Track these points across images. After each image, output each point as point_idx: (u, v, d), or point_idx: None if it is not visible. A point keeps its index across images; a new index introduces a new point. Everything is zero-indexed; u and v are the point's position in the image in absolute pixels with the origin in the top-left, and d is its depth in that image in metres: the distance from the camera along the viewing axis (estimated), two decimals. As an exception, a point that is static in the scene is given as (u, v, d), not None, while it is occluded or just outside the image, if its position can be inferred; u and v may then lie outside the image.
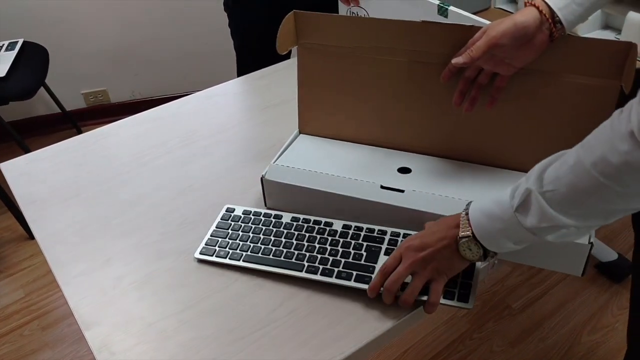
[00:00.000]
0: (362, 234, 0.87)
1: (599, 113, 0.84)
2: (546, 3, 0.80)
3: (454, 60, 0.84)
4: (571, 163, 0.63)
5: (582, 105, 0.85)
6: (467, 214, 0.74)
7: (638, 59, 0.80)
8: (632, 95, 0.77)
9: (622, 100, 0.82)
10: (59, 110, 2.62)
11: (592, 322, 1.71)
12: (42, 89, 2.38)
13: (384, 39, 0.91)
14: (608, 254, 1.82)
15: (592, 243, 0.79)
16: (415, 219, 0.85)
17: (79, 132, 2.70)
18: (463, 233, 0.73)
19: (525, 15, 0.80)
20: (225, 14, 1.57)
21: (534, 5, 0.80)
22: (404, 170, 0.93)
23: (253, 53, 1.55)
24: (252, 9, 1.49)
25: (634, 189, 0.59)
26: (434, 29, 0.87)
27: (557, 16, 0.80)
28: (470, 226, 0.73)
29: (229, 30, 1.59)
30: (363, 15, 1.21)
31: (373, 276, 0.80)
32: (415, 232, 0.81)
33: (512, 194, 0.69)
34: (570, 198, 0.64)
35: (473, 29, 0.84)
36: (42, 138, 2.62)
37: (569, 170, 0.63)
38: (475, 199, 0.75)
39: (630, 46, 0.79)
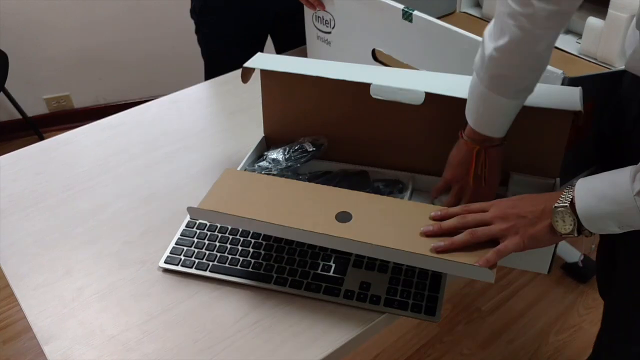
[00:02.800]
0: (331, 244, 0.86)
1: (553, 138, 0.87)
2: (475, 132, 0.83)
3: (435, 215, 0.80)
4: None
5: (538, 130, 0.87)
6: (571, 191, 0.71)
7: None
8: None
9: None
10: (19, 117, 2.55)
11: (559, 323, 1.74)
12: (1, 94, 2.31)
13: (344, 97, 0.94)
14: (573, 255, 1.85)
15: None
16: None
17: (41, 138, 2.63)
18: (560, 202, 0.70)
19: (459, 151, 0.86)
20: (192, 20, 1.55)
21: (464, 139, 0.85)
22: (343, 217, 0.80)
23: (221, 59, 1.53)
24: (219, 16, 1.47)
25: None
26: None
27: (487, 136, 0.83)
28: (572, 199, 0.70)
29: (196, 36, 1.57)
30: (329, 19, 1.20)
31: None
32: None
33: (633, 176, 0.65)
34: None
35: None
36: (3, 145, 2.55)
37: None
38: None
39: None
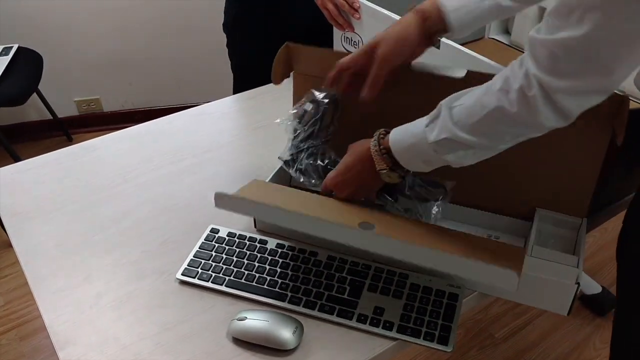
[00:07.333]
0: (347, 267, 0.87)
1: (589, 158, 0.84)
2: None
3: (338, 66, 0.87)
4: (483, 87, 0.72)
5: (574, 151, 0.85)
6: (377, 144, 0.80)
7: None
8: (625, 147, 0.79)
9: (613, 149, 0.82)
10: (50, 117, 2.60)
11: (574, 355, 1.71)
12: (34, 95, 2.36)
13: None
14: (592, 287, 1.82)
15: (578, 283, 0.79)
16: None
17: (70, 139, 2.69)
18: (380, 167, 0.81)
19: (408, 25, 0.85)
20: (224, 34, 1.57)
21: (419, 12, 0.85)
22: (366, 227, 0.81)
23: (250, 74, 1.55)
24: (251, 31, 1.49)
25: (524, 116, 0.67)
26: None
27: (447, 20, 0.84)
28: (386, 155, 0.79)
29: (227, 50, 1.59)
30: (357, 41, 1.21)
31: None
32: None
33: (430, 116, 0.76)
34: (471, 110, 0.71)
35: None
36: (32, 144, 2.60)
37: (480, 90, 0.72)
38: None
39: (623, 99, 0.79)
